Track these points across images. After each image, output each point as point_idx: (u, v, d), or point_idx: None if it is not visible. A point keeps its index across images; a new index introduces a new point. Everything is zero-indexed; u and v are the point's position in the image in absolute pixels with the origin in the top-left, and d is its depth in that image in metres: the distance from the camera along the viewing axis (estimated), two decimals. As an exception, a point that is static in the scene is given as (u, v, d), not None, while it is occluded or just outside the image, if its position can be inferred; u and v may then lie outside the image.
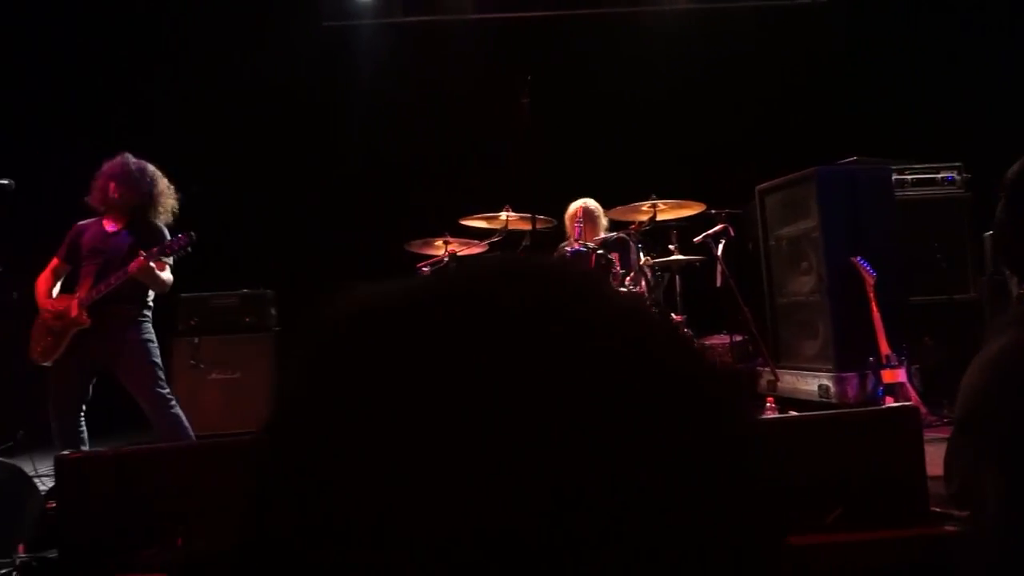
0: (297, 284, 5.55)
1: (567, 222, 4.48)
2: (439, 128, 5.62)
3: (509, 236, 4.33)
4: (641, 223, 4.24)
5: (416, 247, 4.39)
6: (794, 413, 3.84)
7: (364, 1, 5.92)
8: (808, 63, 5.82)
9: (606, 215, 4.49)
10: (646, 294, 4.12)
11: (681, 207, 4.38)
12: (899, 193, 4.56)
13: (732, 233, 4.39)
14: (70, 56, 5.55)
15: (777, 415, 3.78)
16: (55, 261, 3.42)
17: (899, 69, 5.73)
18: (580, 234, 4.20)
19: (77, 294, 3.29)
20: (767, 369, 4.61)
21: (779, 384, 4.51)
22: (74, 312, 3.22)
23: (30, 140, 5.12)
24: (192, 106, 5.71)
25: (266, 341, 5.21)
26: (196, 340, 5.08)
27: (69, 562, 2.37)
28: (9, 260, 4.15)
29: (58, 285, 3.42)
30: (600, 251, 4.05)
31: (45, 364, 3.32)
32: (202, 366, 5.06)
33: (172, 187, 3.49)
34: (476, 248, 4.35)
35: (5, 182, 3.16)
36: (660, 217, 4.28)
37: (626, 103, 5.68)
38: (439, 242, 4.29)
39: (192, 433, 3.44)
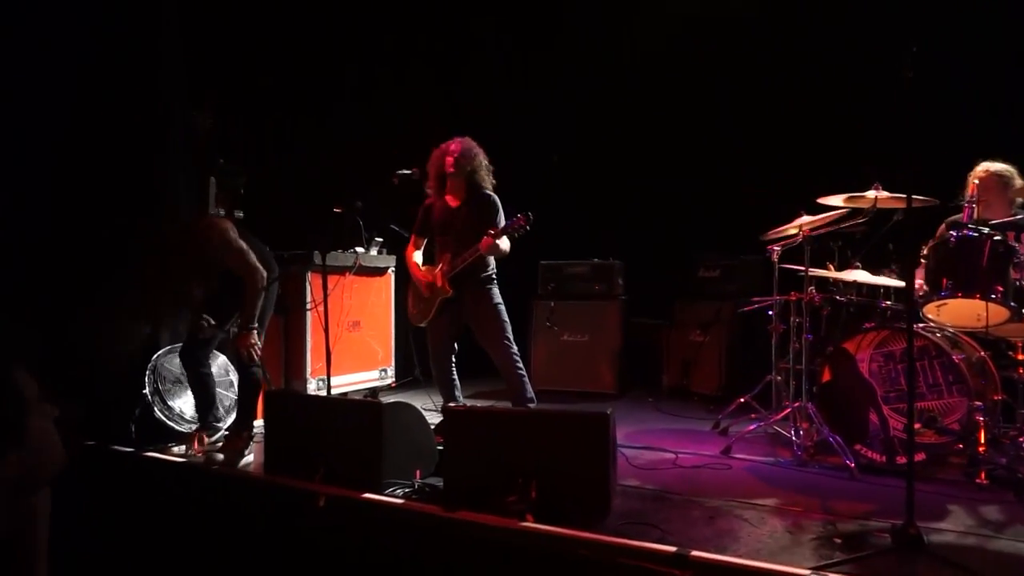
0: (644, 257, 5.74)
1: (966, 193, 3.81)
2: (799, 104, 5.19)
3: (878, 215, 3.82)
4: (1075, 200, 3.35)
5: (771, 235, 4.11)
6: None
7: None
8: None
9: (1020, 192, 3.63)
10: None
11: None
12: None
13: None
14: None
15: None
16: (413, 236, 4.06)
17: None
18: (971, 213, 3.49)
19: (440, 267, 3.85)
20: None
21: None
22: (439, 283, 3.80)
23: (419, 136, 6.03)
24: (551, 87, 6.14)
25: (613, 308, 5.51)
26: (552, 304, 5.59)
27: (452, 492, 2.85)
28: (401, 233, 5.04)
29: (419, 254, 4.05)
30: (997, 237, 3.31)
31: (421, 326, 3.98)
32: (556, 328, 5.55)
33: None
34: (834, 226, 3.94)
35: (409, 172, 3.81)
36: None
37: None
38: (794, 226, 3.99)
39: (530, 390, 3.76)
